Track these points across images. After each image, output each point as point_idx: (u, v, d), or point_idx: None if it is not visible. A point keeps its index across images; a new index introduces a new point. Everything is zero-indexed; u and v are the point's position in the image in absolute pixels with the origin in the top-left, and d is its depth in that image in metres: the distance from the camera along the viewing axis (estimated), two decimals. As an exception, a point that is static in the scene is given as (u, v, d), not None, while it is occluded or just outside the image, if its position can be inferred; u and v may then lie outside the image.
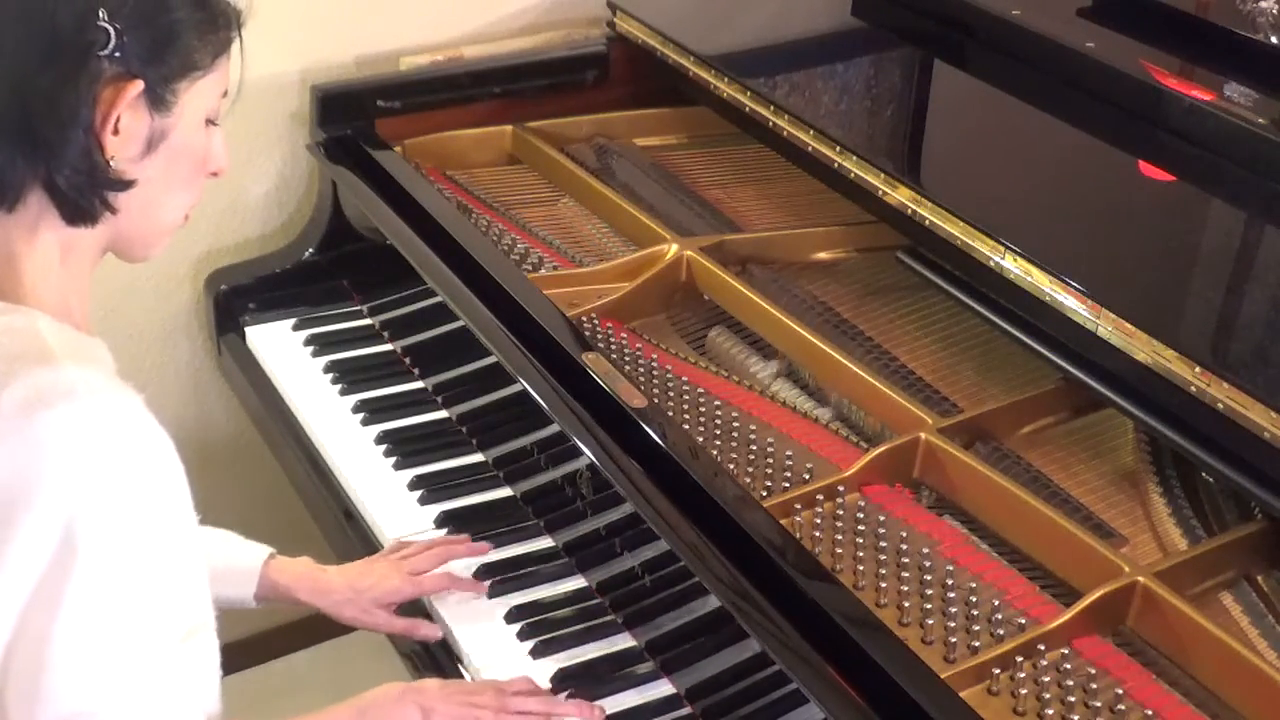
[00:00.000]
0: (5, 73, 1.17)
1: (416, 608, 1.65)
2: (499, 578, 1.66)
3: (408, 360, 2.05)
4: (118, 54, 1.17)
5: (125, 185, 1.22)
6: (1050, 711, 1.34)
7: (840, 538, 1.52)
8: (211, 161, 1.30)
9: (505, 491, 1.81)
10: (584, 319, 1.83)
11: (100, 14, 1.16)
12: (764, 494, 1.57)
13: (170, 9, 1.21)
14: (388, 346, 2.08)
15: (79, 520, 1.12)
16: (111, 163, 1.20)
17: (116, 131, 1.19)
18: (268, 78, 2.22)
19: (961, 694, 1.30)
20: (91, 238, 1.26)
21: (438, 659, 1.60)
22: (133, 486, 1.15)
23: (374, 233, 2.06)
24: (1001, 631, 1.41)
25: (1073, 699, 1.34)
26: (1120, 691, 1.35)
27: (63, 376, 1.15)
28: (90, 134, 1.19)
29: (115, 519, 1.14)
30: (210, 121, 1.28)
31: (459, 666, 1.59)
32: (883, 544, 1.52)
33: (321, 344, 2.08)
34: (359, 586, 1.62)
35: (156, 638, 1.18)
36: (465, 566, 1.68)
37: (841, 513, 1.55)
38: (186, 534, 1.23)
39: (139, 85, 1.19)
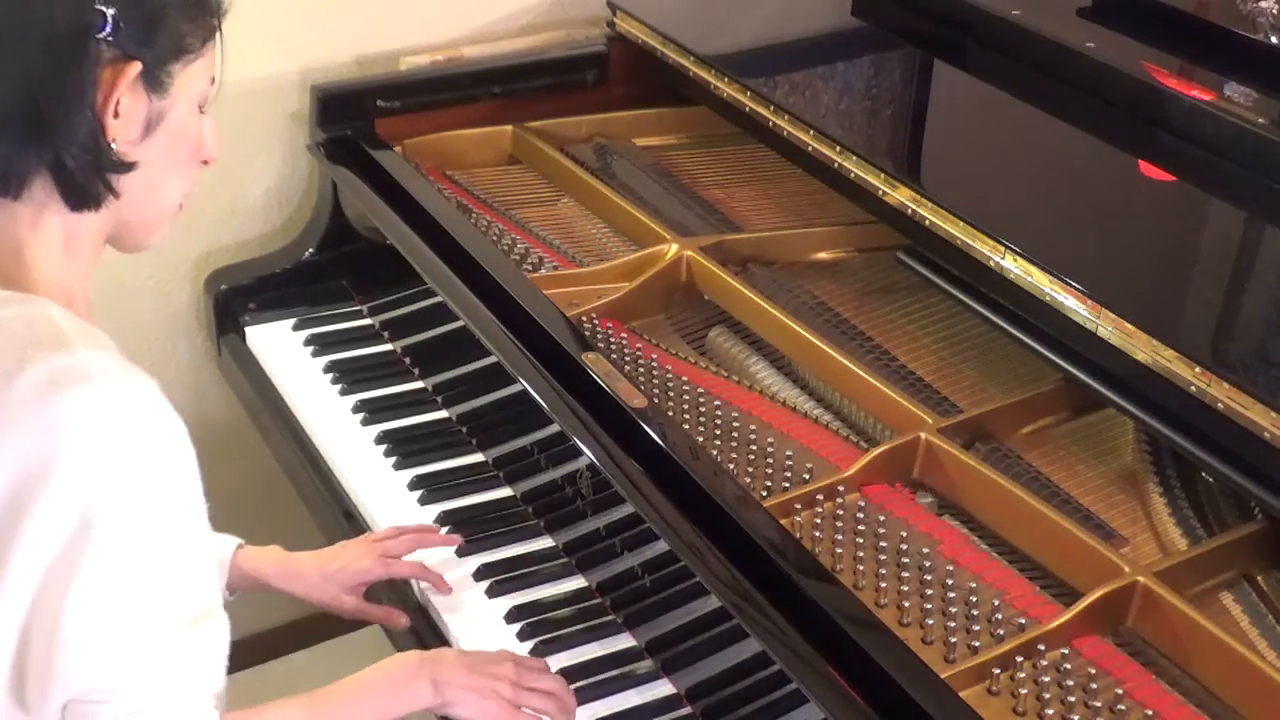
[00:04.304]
0: (9, 61, 1.19)
1: (419, 612, 1.66)
2: (499, 578, 1.66)
3: (408, 360, 2.04)
4: (114, 37, 1.19)
5: (127, 167, 1.25)
6: (1050, 711, 1.34)
7: (840, 538, 1.52)
8: (203, 149, 1.32)
9: (505, 491, 1.81)
10: (584, 319, 1.83)
11: None
12: (764, 494, 1.56)
13: None
14: (388, 346, 2.08)
15: (95, 501, 1.14)
16: (113, 145, 1.22)
17: (117, 114, 1.22)
18: (268, 78, 2.22)
19: (961, 694, 1.30)
20: (94, 224, 1.28)
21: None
22: (147, 468, 1.17)
23: (374, 233, 2.06)
24: (1001, 631, 1.41)
25: (1073, 699, 1.34)
26: (1120, 691, 1.35)
27: (78, 360, 1.17)
28: (94, 116, 1.20)
29: (130, 500, 1.16)
30: (200, 109, 1.30)
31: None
32: (883, 544, 1.51)
33: (321, 344, 2.08)
34: (329, 570, 1.63)
35: (167, 619, 1.20)
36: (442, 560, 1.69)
37: (841, 513, 1.54)
38: (197, 516, 1.25)
39: (137, 66, 1.21)
